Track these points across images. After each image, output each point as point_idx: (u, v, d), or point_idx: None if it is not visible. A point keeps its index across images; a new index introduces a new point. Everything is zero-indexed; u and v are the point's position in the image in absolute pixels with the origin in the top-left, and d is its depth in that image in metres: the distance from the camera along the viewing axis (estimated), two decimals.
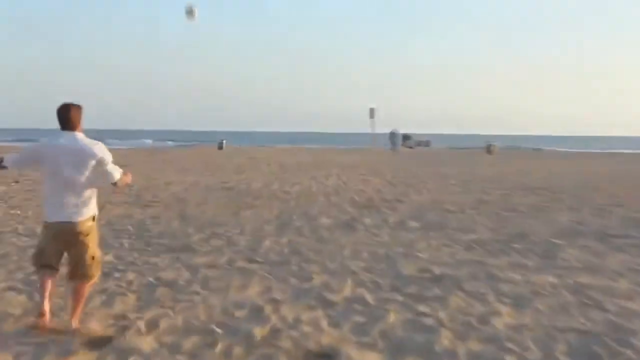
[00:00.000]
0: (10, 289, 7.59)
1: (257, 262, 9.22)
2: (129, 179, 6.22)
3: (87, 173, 5.88)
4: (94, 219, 6.04)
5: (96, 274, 6.20)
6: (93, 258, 6.10)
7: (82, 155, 5.85)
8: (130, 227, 11.97)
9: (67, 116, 5.86)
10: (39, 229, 11.71)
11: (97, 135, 8.47)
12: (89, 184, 5.91)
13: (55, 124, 5.93)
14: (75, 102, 5.97)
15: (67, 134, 5.89)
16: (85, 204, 5.94)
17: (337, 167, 31.17)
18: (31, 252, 9.67)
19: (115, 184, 6.06)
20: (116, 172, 6.05)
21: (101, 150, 5.95)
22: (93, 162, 5.89)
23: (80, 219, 5.93)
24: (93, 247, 6.08)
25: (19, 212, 13.96)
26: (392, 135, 58.76)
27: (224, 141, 56.46)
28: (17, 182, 20.76)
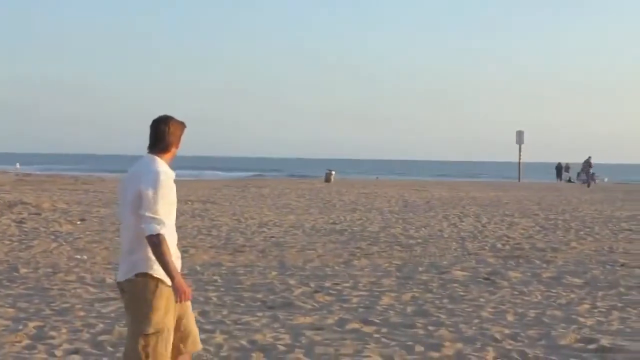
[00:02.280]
0: (75, 351, 7.93)
1: (373, 323, 9.25)
2: (177, 281, 5.26)
3: (130, 208, 5.30)
4: (148, 280, 5.28)
5: None
6: (138, 343, 5.29)
7: (129, 184, 5.36)
8: (218, 278, 12.28)
9: (152, 132, 5.43)
10: (109, 278, 12.22)
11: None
12: (135, 227, 5.27)
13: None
14: (172, 117, 5.51)
15: (142, 158, 5.49)
16: (131, 253, 5.31)
17: (474, 205, 30.92)
18: (99, 305, 10.10)
19: (151, 241, 5.21)
20: (148, 225, 5.18)
21: (148, 181, 5.24)
22: (133, 196, 5.29)
23: (122, 276, 5.39)
24: (140, 325, 5.30)
25: (85, 257, 14.58)
26: (586, 164, 57.12)
27: (333, 172, 57.00)
28: (83, 220, 21.70)
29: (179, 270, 5.34)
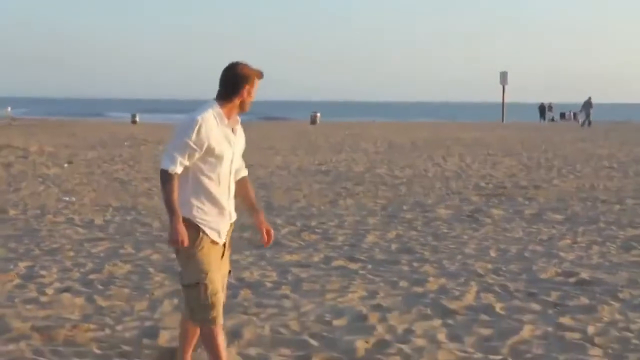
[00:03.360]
0: (66, 289, 7.99)
1: (359, 260, 9.36)
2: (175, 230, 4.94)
3: None
4: (188, 226, 5.01)
5: (199, 316, 5.13)
6: (186, 288, 5.13)
7: None
8: None
9: (220, 78, 5.15)
10: (97, 219, 12.28)
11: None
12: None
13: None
14: (240, 64, 5.10)
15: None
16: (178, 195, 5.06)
17: (458, 145, 31.01)
18: (88, 245, 10.15)
19: (160, 175, 5.06)
20: (163, 160, 5.02)
21: (180, 121, 5.17)
22: None
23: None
24: (181, 276, 5.19)
25: (73, 198, 14.60)
26: (587, 105, 56.15)
27: (318, 114, 56.93)
28: (70, 162, 21.68)
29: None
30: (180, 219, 4.91)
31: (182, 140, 4.92)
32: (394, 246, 10.20)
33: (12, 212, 12.84)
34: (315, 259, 9.48)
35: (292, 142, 32.96)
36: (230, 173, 5.14)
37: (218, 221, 5.11)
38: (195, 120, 4.93)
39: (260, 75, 5.12)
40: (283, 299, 7.68)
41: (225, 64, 5.16)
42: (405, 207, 13.57)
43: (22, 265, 9.05)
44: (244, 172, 5.40)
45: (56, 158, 23.09)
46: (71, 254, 9.74)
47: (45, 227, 11.58)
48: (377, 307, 7.33)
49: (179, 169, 4.94)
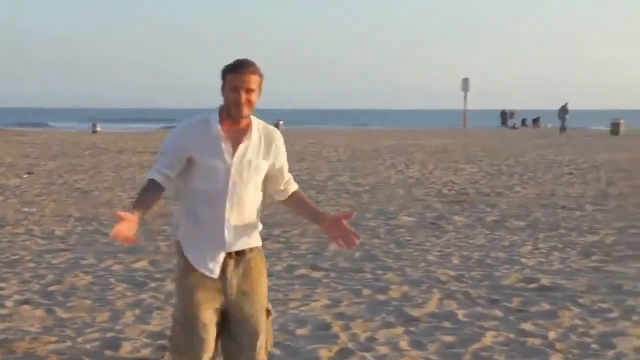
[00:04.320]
0: (26, 302, 7.92)
1: (322, 269, 9.38)
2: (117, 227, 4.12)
3: None
4: (176, 248, 4.52)
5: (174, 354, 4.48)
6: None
7: None
8: (167, 228, 12.28)
9: None
10: (58, 230, 12.17)
11: None
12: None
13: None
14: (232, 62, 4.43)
15: None
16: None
17: (421, 152, 31.18)
18: (49, 257, 10.07)
19: None
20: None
21: None
22: None
23: None
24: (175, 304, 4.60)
25: (33, 209, 14.47)
26: (563, 110, 55.63)
27: (281, 122, 56.93)
28: (30, 173, 21.47)
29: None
30: (127, 216, 4.08)
31: (161, 148, 4.43)
32: (357, 254, 10.23)
33: None
34: (278, 267, 9.48)
35: None
36: (230, 192, 4.31)
37: (204, 247, 4.33)
38: (175, 129, 4.47)
39: (228, 68, 4.33)
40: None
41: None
42: (368, 215, 13.62)
43: None
44: (293, 187, 4.62)
45: (15, 168, 22.87)
46: (31, 265, 9.65)
47: (5, 238, 11.46)
48: (341, 316, 7.36)
49: (156, 175, 4.31)
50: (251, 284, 4.42)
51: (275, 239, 11.38)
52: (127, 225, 4.07)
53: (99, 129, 55.73)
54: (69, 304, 7.81)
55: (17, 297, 8.12)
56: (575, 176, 20.74)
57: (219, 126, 4.33)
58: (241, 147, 4.34)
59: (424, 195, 16.56)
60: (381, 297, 8.04)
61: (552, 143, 38.81)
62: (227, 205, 4.33)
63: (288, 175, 4.60)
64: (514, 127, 66.45)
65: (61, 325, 7.13)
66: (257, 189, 4.44)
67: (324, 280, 8.84)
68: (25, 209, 14.47)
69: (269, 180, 4.52)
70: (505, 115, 70.41)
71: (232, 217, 4.34)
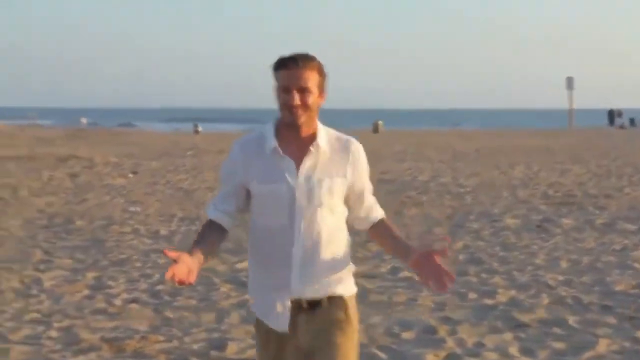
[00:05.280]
0: (134, 300, 8.09)
1: None
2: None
3: None
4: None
5: None
6: None
7: None
8: None
9: None
10: (163, 230, 12.40)
11: None
12: None
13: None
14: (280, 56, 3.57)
15: None
16: None
17: (525, 153, 30.66)
18: (154, 256, 10.26)
19: None
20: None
21: None
22: None
23: None
24: None
25: (138, 209, 14.78)
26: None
27: (381, 122, 56.81)
28: (135, 172, 21.96)
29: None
30: (182, 258, 3.34)
31: (220, 174, 3.72)
32: (461, 257, 10.11)
33: (78, 223, 13.04)
34: (382, 269, 9.45)
35: None
36: (297, 222, 3.47)
37: (270, 296, 3.55)
38: (229, 151, 3.64)
39: (278, 64, 3.50)
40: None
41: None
42: (471, 217, 13.45)
43: (90, 275, 9.19)
44: (377, 214, 3.71)
45: (121, 168, 23.41)
46: (138, 264, 9.85)
47: (112, 237, 11.74)
48: (446, 320, 7.28)
49: (212, 213, 3.60)
50: (329, 346, 3.51)
51: (373, 240, 11.32)
52: (184, 269, 3.31)
53: (200, 129, 56.66)
54: (175, 304, 7.95)
55: (125, 295, 8.30)
56: None
57: (274, 140, 3.51)
58: (306, 162, 3.49)
59: (528, 196, 16.26)
60: (488, 301, 7.92)
61: None
62: (295, 240, 3.48)
63: (370, 199, 3.69)
64: (621, 127, 64.80)
65: (168, 324, 7.25)
66: (337, 216, 3.56)
67: None
68: (131, 209, 14.79)
69: (346, 205, 3.65)
70: (612, 115, 68.66)
71: (303, 255, 3.49)
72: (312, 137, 3.52)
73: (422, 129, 67.93)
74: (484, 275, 9.06)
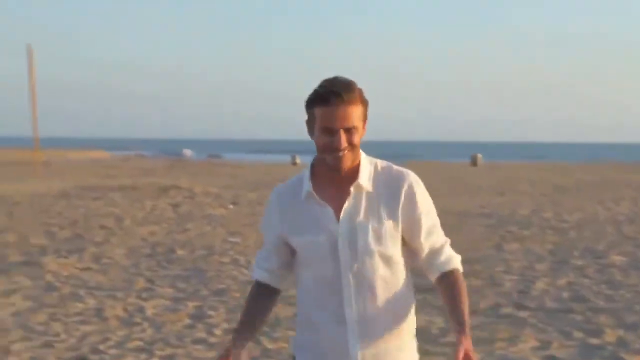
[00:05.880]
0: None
1: (528, 308, 9.10)
2: None
3: None
4: None
5: None
6: None
7: None
8: None
9: None
10: None
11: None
12: None
13: None
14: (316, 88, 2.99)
15: None
16: None
17: (631, 187, 29.88)
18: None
19: None
20: None
21: None
22: None
23: None
24: None
25: (238, 239, 14.92)
26: None
27: (479, 155, 56.31)
28: (235, 203, 22.22)
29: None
30: (234, 344, 3.08)
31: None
32: (565, 294, 9.87)
33: (180, 252, 13.23)
34: (482, 305, 9.29)
35: (451, 183, 32.68)
36: (344, 277, 2.98)
37: (316, 354, 3.08)
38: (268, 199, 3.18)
39: (316, 99, 2.93)
40: (450, 346, 7.55)
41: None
42: (575, 253, 13.13)
43: (191, 305, 9.29)
44: (447, 263, 3.10)
45: (220, 198, 23.72)
46: (237, 294, 9.92)
47: (213, 267, 11.86)
48: (551, 359, 7.09)
49: (257, 273, 3.21)
50: None
51: (478, 274, 11.16)
52: None
53: (298, 161, 57.11)
54: (274, 335, 7.95)
55: (225, 325, 8.36)
56: None
57: (309, 183, 3.03)
58: (347, 205, 2.99)
59: (635, 233, 15.80)
60: (594, 341, 7.68)
61: None
62: (345, 297, 2.99)
63: (437, 241, 3.10)
64: None
65: (267, 355, 7.25)
66: (394, 267, 3.03)
67: (531, 320, 8.56)
68: (231, 239, 14.94)
69: (409, 250, 3.11)
70: None
71: (358, 314, 2.99)
72: (354, 174, 3.01)
73: (516, 162, 66.98)
74: (589, 314, 8.81)
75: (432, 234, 3.07)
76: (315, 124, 2.92)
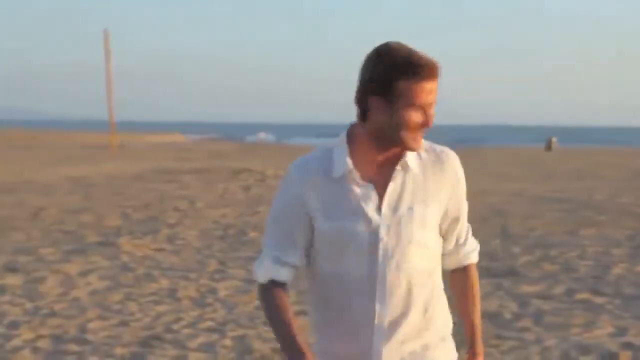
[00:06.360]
0: (303, 312, 8.15)
1: (604, 294, 8.94)
2: None
3: None
4: None
5: None
6: None
7: None
8: None
9: None
10: None
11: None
12: None
13: None
14: (387, 43, 2.60)
15: None
16: None
17: None
18: None
19: None
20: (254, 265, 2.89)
21: None
22: None
23: None
24: None
25: None
26: None
27: (554, 139, 55.40)
28: None
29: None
30: (293, 353, 2.52)
31: (268, 219, 2.72)
32: None
33: (251, 234, 13.32)
34: (557, 290, 9.15)
35: (525, 168, 32.27)
36: (381, 273, 2.58)
37: (345, 355, 2.67)
38: (283, 178, 2.70)
39: (403, 69, 2.50)
40: (524, 331, 7.46)
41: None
42: None
43: None
44: (469, 258, 2.84)
45: None
46: None
47: None
48: (629, 346, 6.95)
49: (278, 272, 2.65)
50: None
51: (552, 260, 11.00)
52: None
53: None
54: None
55: (295, 307, 8.36)
56: None
57: (348, 161, 2.60)
58: (392, 187, 2.61)
59: None
60: None
61: None
62: (378, 296, 2.60)
63: (464, 228, 2.81)
64: None
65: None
66: (431, 254, 2.68)
67: (607, 306, 8.41)
68: None
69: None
70: None
71: (391, 314, 2.62)
72: (397, 153, 2.62)
73: (595, 147, 65.84)
74: None
75: (464, 221, 2.78)
76: (399, 100, 2.50)
